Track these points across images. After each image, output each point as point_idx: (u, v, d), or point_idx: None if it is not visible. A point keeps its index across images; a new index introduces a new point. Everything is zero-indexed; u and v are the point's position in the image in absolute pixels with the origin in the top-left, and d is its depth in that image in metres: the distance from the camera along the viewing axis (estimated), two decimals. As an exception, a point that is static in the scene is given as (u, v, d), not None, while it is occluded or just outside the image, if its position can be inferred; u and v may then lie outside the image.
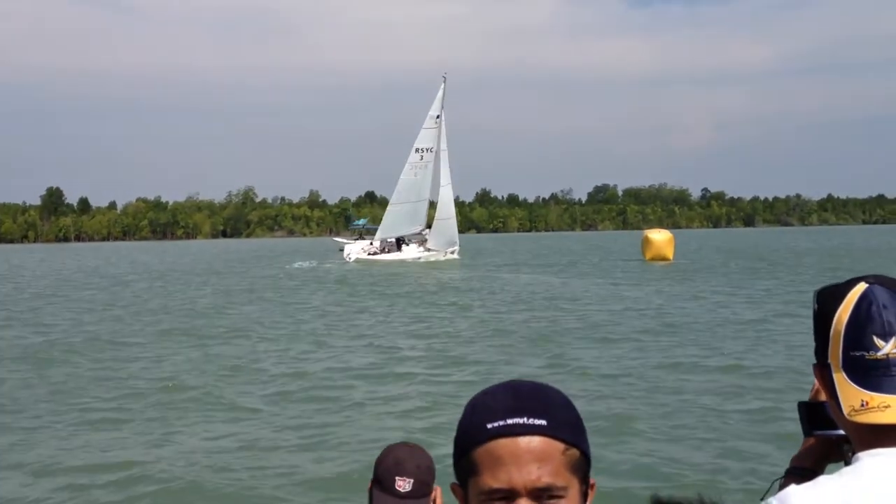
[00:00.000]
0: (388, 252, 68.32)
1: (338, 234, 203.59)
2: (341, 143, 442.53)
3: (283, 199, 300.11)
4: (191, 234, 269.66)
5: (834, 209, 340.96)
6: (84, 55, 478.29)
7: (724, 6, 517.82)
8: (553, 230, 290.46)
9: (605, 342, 19.19)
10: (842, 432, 1.70)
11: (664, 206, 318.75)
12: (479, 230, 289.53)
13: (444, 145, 69.32)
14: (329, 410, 12.95)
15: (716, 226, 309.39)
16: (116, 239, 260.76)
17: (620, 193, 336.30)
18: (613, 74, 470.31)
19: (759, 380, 14.20)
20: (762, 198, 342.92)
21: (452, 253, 67.13)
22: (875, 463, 1.53)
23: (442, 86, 71.11)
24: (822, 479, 1.60)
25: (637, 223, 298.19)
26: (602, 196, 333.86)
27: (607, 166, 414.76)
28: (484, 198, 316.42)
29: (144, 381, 15.49)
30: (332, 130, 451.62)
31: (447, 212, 67.99)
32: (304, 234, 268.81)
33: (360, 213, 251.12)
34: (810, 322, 1.67)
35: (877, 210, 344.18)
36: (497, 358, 17.44)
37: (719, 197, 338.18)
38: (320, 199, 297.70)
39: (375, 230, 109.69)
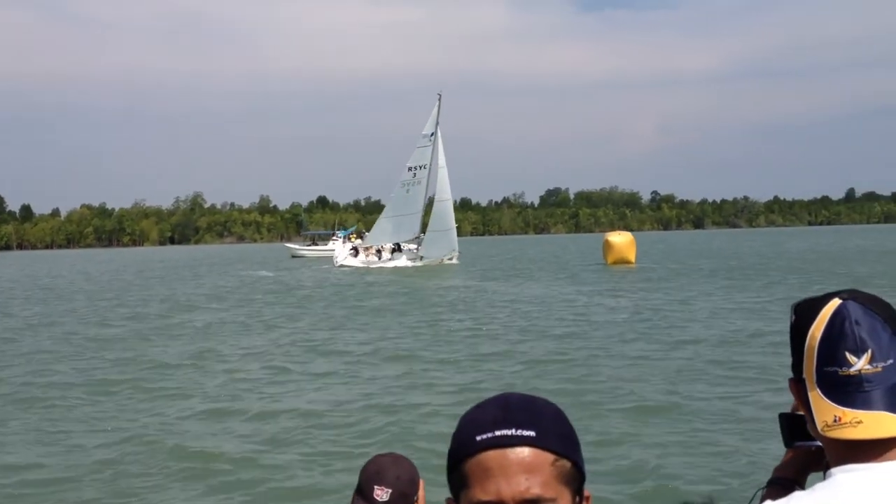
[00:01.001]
0: (380, 258, 67.19)
1: (289, 240, 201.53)
2: (292, 147, 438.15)
3: (232, 204, 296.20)
4: (137, 241, 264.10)
5: (781, 211, 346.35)
6: (26, 61, 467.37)
7: (670, 11, 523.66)
8: (506, 234, 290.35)
9: (609, 360, 17.71)
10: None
11: (615, 208, 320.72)
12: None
13: (442, 161, 68.12)
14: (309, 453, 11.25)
15: (666, 228, 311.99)
16: (60, 247, 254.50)
17: (572, 197, 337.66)
18: (564, 79, 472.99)
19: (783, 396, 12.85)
20: (710, 200, 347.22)
21: (451, 259, 65.90)
22: (849, 479, 1.54)
23: (437, 104, 70.07)
24: (796, 495, 1.62)
25: (589, 226, 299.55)
26: (554, 199, 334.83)
27: (558, 169, 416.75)
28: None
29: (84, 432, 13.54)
30: (283, 135, 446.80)
31: (445, 223, 66.67)
32: (255, 240, 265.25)
33: (313, 218, 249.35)
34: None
35: (822, 211, 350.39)
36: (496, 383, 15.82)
37: (669, 199, 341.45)
38: (271, 205, 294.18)
39: (330, 235, 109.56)
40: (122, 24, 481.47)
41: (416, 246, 67.37)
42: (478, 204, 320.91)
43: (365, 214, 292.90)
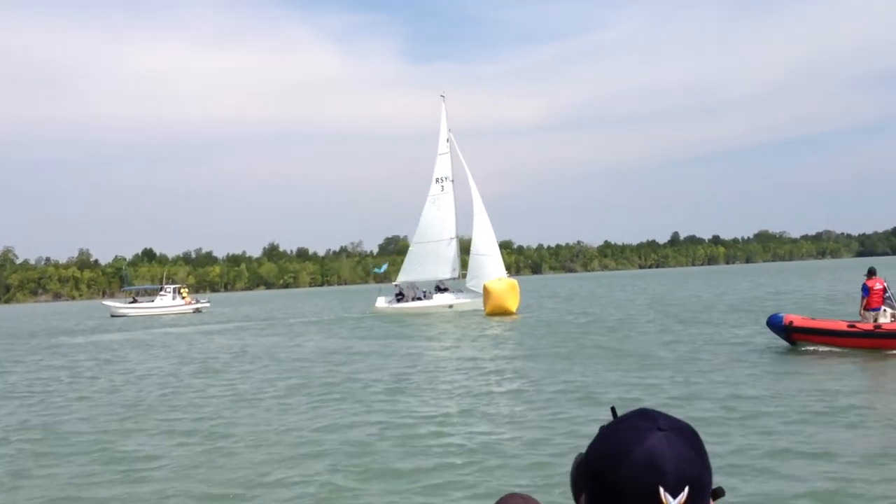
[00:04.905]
0: (415, 300, 60.08)
1: (112, 296, 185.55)
2: (114, 198, 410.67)
3: (48, 259, 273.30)
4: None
5: (613, 255, 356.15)
6: None
7: (495, 64, 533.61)
8: (347, 283, 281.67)
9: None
10: None
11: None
12: (269, 286, 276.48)
13: (465, 168, 60.98)
14: None
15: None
16: None
17: (411, 244, 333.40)
18: (396, 128, 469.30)
19: None
20: (546, 245, 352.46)
21: None
22: None
23: (442, 105, 64.10)
24: None
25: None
26: (393, 247, 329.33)
27: (395, 218, 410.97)
28: (272, 252, 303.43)
29: None
30: (104, 185, 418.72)
31: (485, 246, 58.24)
32: (74, 298, 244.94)
33: (138, 272, 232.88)
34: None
35: (651, 255, 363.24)
36: None
37: (507, 245, 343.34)
38: (91, 259, 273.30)
39: (157, 289, 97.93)
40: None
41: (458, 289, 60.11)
42: (315, 254, 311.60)
43: (196, 267, 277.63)
